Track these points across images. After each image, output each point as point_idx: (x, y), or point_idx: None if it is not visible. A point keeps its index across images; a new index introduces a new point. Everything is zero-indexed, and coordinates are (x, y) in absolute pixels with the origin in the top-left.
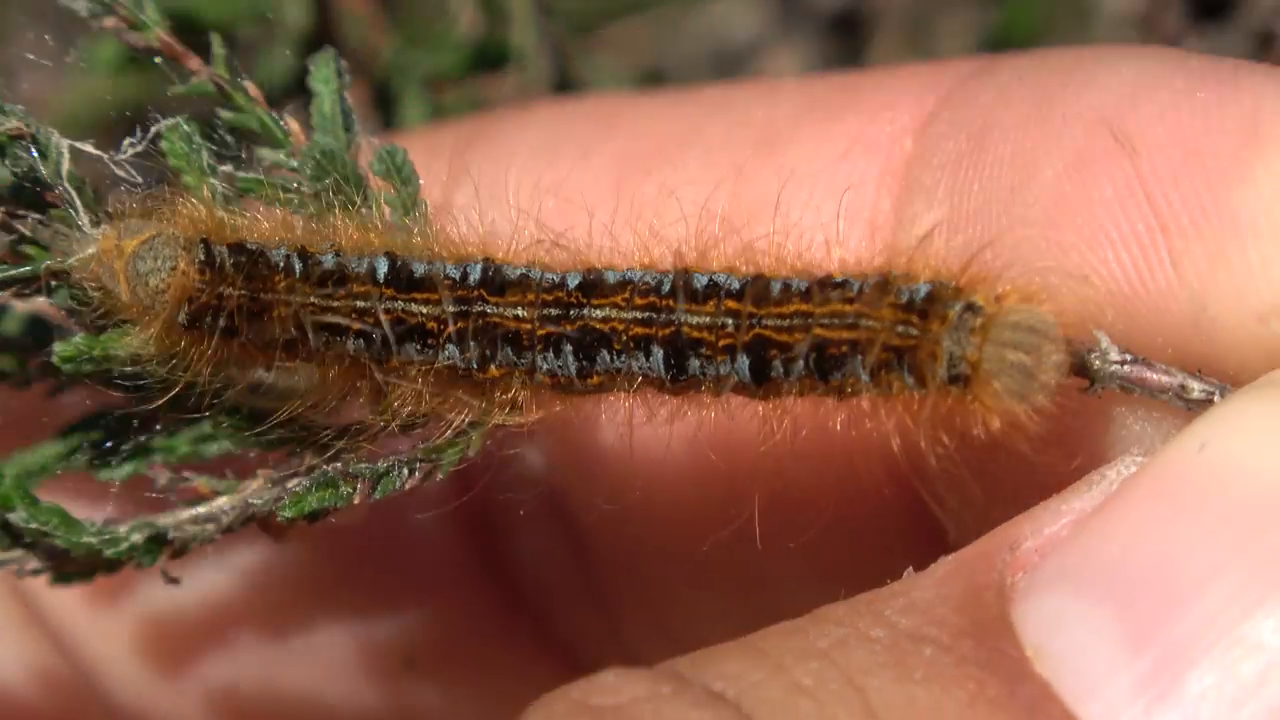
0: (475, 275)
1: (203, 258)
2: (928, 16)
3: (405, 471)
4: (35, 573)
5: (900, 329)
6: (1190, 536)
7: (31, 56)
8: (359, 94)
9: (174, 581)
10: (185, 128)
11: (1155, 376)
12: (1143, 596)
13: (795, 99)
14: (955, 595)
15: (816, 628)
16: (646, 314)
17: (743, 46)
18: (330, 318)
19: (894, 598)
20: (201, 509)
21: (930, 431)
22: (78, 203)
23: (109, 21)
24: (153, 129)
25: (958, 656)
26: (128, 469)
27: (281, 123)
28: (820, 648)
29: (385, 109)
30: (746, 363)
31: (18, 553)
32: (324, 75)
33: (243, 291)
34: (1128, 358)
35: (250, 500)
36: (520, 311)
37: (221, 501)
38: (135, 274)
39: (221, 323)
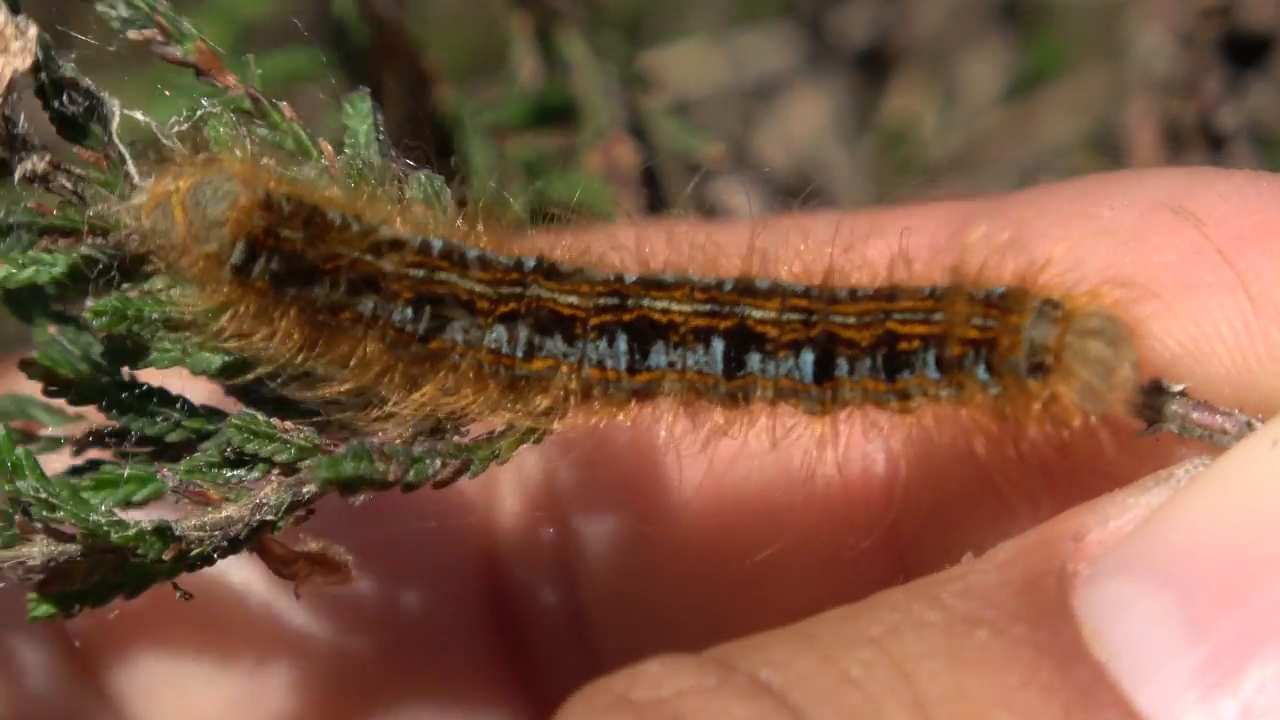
0: (531, 263)
1: (263, 197)
2: (953, 53)
3: (438, 462)
4: (30, 576)
5: (978, 321)
6: (1257, 528)
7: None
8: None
9: (187, 596)
10: (230, 115)
11: (1217, 419)
12: (1206, 585)
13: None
14: (1015, 580)
15: (870, 614)
16: (709, 305)
17: (770, 79)
18: (383, 281)
19: (951, 582)
20: (209, 516)
21: (1013, 425)
22: (127, 156)
23: (147, 32)
24: (199, 111)
25: (1011, 639)
26: (127, 490)
27: (317, 144)
28: (872, 635)
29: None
30: (811, 359)
31: (16, 551)
32: (360, 110)
33: (300, 236)
34: (1190, 397)
35: (261, 502)
36: (574, 299)
37: (230, 510)
38: (194, 204)
39: (275, 267)
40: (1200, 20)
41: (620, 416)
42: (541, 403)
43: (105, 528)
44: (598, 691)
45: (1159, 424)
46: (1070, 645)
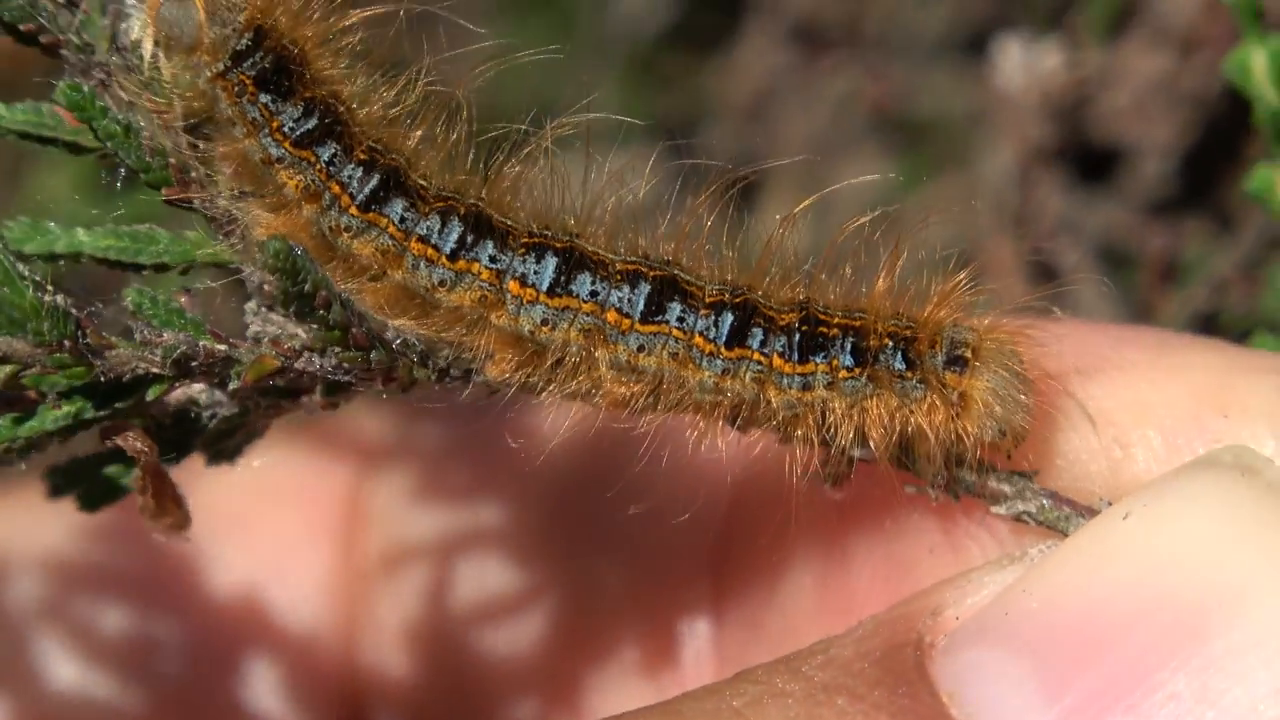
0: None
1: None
2: (823, 172)
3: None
4: None
5: (896, 322)
6: (1110, 592)
7: None
8: None
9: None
10: None
11: (1069, 504)
12: (1060, 647)
13: None
14: (874, 651)
15: (733, 687)
16: (640, 259)
17: (637, 198)
18: (348, 134)
19: (814, 655)
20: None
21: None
22: None
23: None
24: None
25: (870, 704)
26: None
27: None
28: (735, 707)
29: None
30: (730, 319)
31: None
32: None
33: (301, 49)
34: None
35: (150, 342)
36: (512, 221)
37: (122, 350)
38: None
39: (267, 65)
40: (1034, 158)
41: (511, 360)
42: (448, 318)
43: (23, 279)
44: None
45: (1014, 504)
46: (928, 709)
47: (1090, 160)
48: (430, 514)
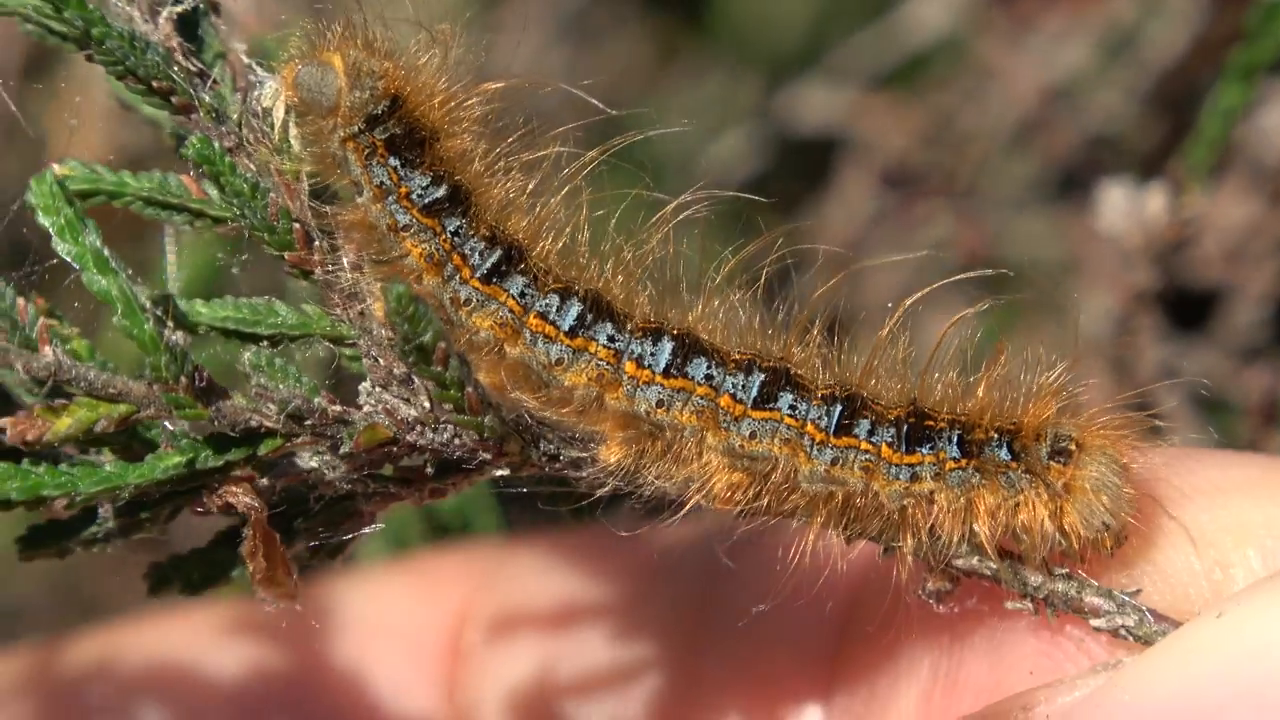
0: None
1: (415, 70)
2: (914, 316)
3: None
4: None
5: (1000, 418)
6: (1203, 681)
7: None
8: None
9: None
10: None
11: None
12: None
13: None
14: None
15: None
16: (753, 354)
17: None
18: (474, 208)
19: None
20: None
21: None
22: (252, 63)
23: None
24: None
25: None
26: None
27: None
28: None
29: None
30: (839, 409)
31: None
32: None
33: (433, 123)
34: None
35: (269, 394)
36: (628, 309)
37: (238, 398)
38: (354, 57)
39: (397, 130)
40: (1136, 303)
41: (624, 439)
42: (563, 398)
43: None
44: None
45: (1114, 618)
46: None
47: (1187, 304)
48: (531, 645)
